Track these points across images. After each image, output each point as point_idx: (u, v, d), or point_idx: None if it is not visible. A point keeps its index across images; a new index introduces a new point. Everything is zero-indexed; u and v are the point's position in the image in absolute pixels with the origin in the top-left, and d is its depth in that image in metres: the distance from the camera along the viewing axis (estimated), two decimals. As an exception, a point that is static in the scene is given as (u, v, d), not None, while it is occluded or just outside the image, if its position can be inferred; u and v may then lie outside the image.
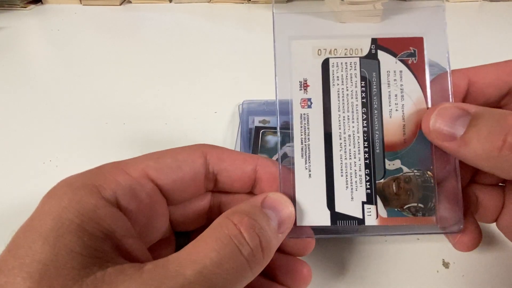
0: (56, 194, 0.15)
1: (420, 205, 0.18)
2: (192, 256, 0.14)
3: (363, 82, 0.19)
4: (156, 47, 0.57)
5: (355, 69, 0.19)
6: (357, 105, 0.19)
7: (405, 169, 0.18)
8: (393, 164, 0.19)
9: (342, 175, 0.18)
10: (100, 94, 0.44)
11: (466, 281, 0.24)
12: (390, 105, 0.19)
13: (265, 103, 0.37)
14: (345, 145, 0.19)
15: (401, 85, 0.19)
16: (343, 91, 0.19)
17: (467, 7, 0.72)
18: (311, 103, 0.19)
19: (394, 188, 0.18)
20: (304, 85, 0.19)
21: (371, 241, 0.27)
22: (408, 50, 0.19)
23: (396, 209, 0.18)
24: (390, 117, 0.19)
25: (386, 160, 0.19)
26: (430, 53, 0.19)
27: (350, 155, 0.19)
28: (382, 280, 0.24)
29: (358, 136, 0.19)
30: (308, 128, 0.19)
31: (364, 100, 0.19)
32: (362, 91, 0.19)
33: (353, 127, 0.19)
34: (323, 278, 0.24)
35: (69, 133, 0.38)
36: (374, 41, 0.19)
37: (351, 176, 0.18)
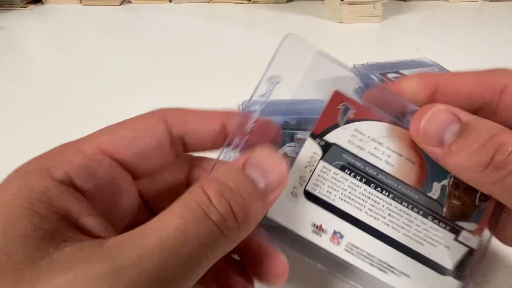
0: (6, 183, 0.14)
1: None
2: (156, 226, 0.13)
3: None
4: (156, 47, 0.57)
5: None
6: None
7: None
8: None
9: None
10: (100, 94, 0.44)
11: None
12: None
13: (265, 103, 0.37)
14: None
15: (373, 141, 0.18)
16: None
17: (467, 7, 0.72)
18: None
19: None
20: None
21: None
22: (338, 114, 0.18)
23: None
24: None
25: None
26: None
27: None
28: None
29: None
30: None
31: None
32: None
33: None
34: (322, 278, 0.24)
35: (69, 133, 0.38)
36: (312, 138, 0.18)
37: None
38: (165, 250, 0.12)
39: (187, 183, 0.20)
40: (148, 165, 0.18)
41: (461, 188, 0.18)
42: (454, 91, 0.18)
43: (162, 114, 0.18)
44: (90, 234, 0.14)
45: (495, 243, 0.18)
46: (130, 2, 0.74)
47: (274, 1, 0.74)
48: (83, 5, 0.73)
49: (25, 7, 0.71)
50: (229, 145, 0.18)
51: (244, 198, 0.14)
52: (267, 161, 0.15)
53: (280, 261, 0.18)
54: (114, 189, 0.17)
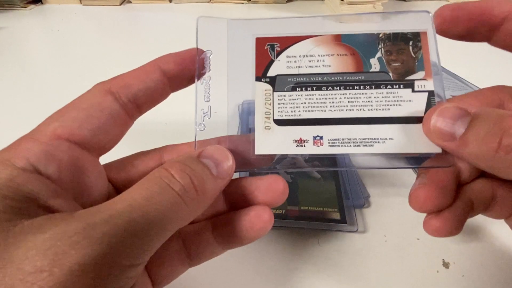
0: None
1: None
2: (123, 196, 0.15)
3: None
4: (156, 47, 0.57)
5: None
6: None
7: None
8: None
9: None
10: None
11: (466, 281, 0.24)
12: None
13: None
14: None
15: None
16: None
17: (467, 7, 0.72)
18: None
19: None
20: None
21: (371, 240, 0.27)
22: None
23: None
24: None
25: None
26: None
27: None
28: (382, 280, 0.24)
29: None
30: None
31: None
32: None
33: None
34: (321, 277, 0.24)
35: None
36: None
37: None
38: (132, 212, 0.14)
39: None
40: (108, 138, 0.18)
41: (394, 51, 0.20)
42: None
43: (103, 87, 0.18)
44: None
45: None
46: (130, 2, 0.74)
47: (274, 1, 0.74)
48: (83, 5, 0.73)
49: (25, 7, 0.71)
50: None
51: (202, 176, 0.16)
52: (218, 154, 0.18)
53: (279, 179, 0.19)
54: (78, 168, 0.17)
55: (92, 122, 0.17)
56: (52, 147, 0.16)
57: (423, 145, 0.19)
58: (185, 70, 0.20)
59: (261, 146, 0.19)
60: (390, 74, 0.20)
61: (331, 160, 0.21)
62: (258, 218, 0.19)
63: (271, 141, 0.19)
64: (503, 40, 0.19)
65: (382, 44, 0.21)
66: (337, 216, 0.27)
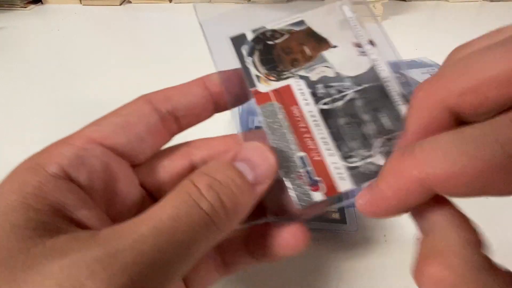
0: (2, 182, 0.15)
1: None
2: (149, 215, 0.13)
3: None
4: (156, 47, 0.57)
5: None
6: None
7: None
8: None
9: None
10: (100, 94, 0.44)
11: (466, 281, 0.24)
12: None
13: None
14: None
15: None
16: None
17: (467, 7, 0.72)
18: None
19: None
20: None
21: (371, 240, 0.27)
22: None
23: None
24: None
25: None
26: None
27: None
28: (382, 279, 0.24)
29: None
30: None
31: None
32: None
33: None
34: (321, 277, 0.24)
35: (69, 132, 0.38)
36: None
37: None
38: (158, 236, 0.13)
39: (191, 168, 0.19)
40: (143, 148, 0.18)
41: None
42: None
43: (145, 98, 0.18)
44: (85, 227, 0.14)
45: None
46: (130, 2, 0.74)
47: (274, 1, 0.74)
48: (83, 5, 0.73)
49: (25, 7, 0.71)
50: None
51: (232, 189, 0.15)
52: (255, 155, 0.16)
53: (299, 227, 0.17)
54: (110, 176, 0.16)
55: (128, 128, 0.17)
56: (85, 152, 0.16)
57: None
58: (234, 92, 0.19)
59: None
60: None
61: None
62: (293, 236, 0.17)
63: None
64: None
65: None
66: (337, 216, 0.27)
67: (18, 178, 0.14)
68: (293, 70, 0.19)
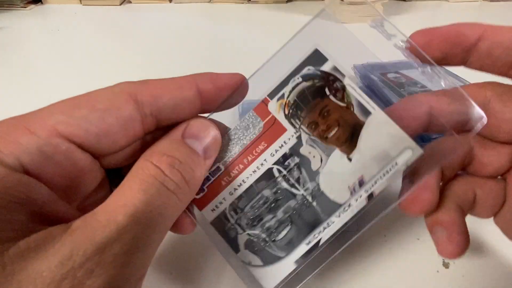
0: None
1: None
2: (119, 202, 0.14)
3: None
4: (156, 47, 0.57)
5: None
6: None
7: None
8: None
9: None
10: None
11: (466, 281, 0.24)
12: None
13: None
14: None
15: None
16: None
17: (467, 7, 0.72)
18: None
19: None
20: None
21: (371, 240, 0.27)
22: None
23: None
24: None
25: None
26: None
27: None
28: (382, 280, 0.24)
29: None
30: None
31: None
32: None
33: None
34: (321, 277, 0.24)
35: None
36: None
37: None
38: (136, 224, 0.13)
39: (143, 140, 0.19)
40: (112, 146, 0.16)
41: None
42: (497, 41, 0.17)
43: (130, 92, 0.16)
44: (53, 221, 0.13)
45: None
46: (130, 2, 0.74)
47: (274, 1, 0.74)
48: (83, 5, 0.73)
49: (25, 7, 0.71)
50: None
51: (190, 166, 0.16)
52: (203, 131, 0.17)
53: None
54: (74, 172, 0.15)
55: (101, 127, 0.15)
56: (50, 147, 0.14)
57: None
58: (223, 95, 0.18)
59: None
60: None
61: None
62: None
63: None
64: (478, 61, 0.17)
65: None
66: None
67: None
68: (303, 127, 0.18)
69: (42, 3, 0.74)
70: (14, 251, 0.11)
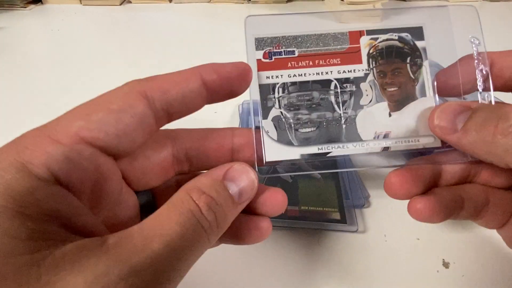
0: None
1: None
2: (157, 230, 0.14)
3: None
4: (156, 47, 0.57)
5: None
6: None
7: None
8: None
9: None
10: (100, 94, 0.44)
11: (466, 281, 0.24)
12: None
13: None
14: None
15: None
16: None
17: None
18: None
19: None
20: None
21: (371, 240, 0.27)
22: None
23: None
24: None
25: None
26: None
27: None
28: (382, 280, 0.24)
29: None
30: None
31: None
32: None
33: None
34: (321, 277, 0.24)
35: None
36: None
37: None
38: (170, 254, 0.14)
39: (173, 157, 0.20)
40: (131, 145, 0.17)
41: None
42: (504, 65, 0.20)
43: (139, 89, 0.16)
44: (83, 233, 0.14)
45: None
46: (130, 2, 0.74)
47: (274, 1, 0.74)
48: (83, 5, 0.73)
49: (25, 7, 0.71)
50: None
51: (225, 210, 0.16)
52: (244, 180, 0.18)
53: (279, 192, 0.19)
54: (98, 178, 0.16)
55: (120, 128, 0.16)
56: (75, 153, 0.14)
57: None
58: (228, 84, 0.18)
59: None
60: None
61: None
62: (257, 225, 0.19)
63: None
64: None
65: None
66: (337, 216, 0.27)
67: (2, 181, 0.13)
68: (374, 70, 0.21)
69: (42, 3, 0.74)
70: (50, 262, 0.12)
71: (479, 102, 0.19)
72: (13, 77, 0.50)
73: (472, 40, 0.20)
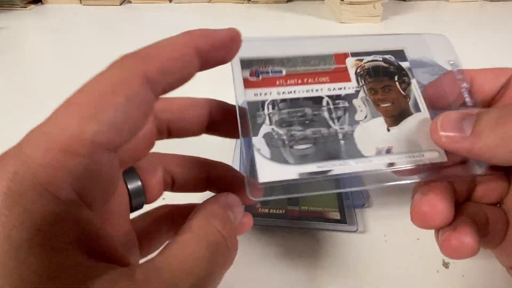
0: None
1: None
2: (184, 265, 0.14)
3: None
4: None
5: None
6: None
7: None
8: None
9: None
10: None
11: (466, 281, 0.24)
12: None
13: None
14: None
15: None
16: None
17: (467, 7, 0.72)
18: None
19: None
20: None
21: (371, 240, 0.27)
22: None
23: None
24: None
25: None
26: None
27: None
28: (382, 280, 0.24)
29: None
30: None
31: None
32: None
33: None
34: (321, 277, 0.24)
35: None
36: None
37: None
38: (200, 284, 0.14)
39: (156, 128, 0.19)
40: (135, 134, 0.15)
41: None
42: (482, 80, 0.20)
43: (139, 72, 0.15)
44: (103, 257, 0.13)
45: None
46: (130, 2, 0.74)
47: (274, 1, 0.74)
48: (83, 5, 0.73)
49: (25, 7, 0.71)
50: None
51: (234, 234, 0.17)
52: (236, 206, 0.18)
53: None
54: (111, 187, 0.15)
55: (130, 123, 0.14)
56: (94, 164, 0.13)
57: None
58: (220, 52, 0.17)
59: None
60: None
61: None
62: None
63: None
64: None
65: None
66: (337, 216, 0.27)
67: (22, 209, 0.11)
68: (364, 87, 0.21)
69: (42, 3, 0.74)
70: None
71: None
72: (13, 77, 0.50)
73: (451, 63, 0.21)
